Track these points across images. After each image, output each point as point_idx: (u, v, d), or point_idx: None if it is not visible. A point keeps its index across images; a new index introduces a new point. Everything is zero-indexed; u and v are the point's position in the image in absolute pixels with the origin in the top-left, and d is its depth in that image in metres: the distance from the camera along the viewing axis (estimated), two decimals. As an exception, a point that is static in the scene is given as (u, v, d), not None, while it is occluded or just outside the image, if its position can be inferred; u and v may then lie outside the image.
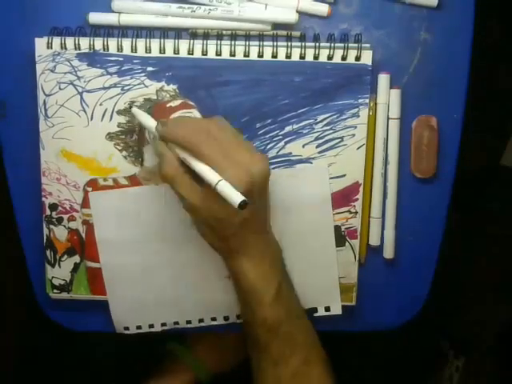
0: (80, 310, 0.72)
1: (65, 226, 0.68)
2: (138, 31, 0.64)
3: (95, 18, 0.65)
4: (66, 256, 0.68)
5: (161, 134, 0.59)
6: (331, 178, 0.66)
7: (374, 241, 0.69)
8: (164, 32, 0.64)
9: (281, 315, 0.62)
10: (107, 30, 0.64)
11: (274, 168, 0.66)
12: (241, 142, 0.59)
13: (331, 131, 0.66)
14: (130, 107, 0.65)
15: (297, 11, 0.64)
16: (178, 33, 0.64)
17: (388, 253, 0.69)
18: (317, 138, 0.66)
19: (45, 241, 0.68)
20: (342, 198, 0.67)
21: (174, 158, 0.58)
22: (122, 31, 0.64)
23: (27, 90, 0.65)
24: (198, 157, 0.56)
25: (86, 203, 0.67)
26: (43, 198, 0.67)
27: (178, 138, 0.58)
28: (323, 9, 0.64)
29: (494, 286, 1.04)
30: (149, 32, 0.64)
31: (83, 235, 0.68)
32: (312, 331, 0.67)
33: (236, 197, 0.53)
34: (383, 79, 0.65)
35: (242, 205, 0.52)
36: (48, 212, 0.67)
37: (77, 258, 0.68)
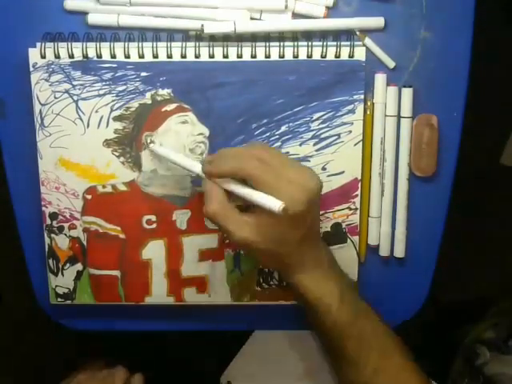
0: (81, 311, 0.72)
1: (66, 235, 0.68)
2: (130, 34, 0.64)
3: (94, 18, 0.65)
4: (68, 264, 0.68)
5: (208, 172, 0.58)
6: (330, 176, 0.66)
7: (373, 240, 0.69)
8: (156, 35, 0.64)
9: (349, 317, 0.62)
10: (99, 35, 0.64)
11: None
12: (289, 160, 0.59)
13: (328, 129, 0.66)
14: (150, 142, 0.66)
15: (293, 13, 0.65)
16: (171, 35, 0.64)
17: (385, 251, 0.69)
18: (313, 137, 0.66)
19: (47, 250, 0.68)
20: (341, 195, 0.67)
21: (221, 193, 0.58)
22: (115, 35, 0.64)
23: (24, 98, 0.66)
24: (254, 184, 0.56)
25: (86, 211, 0.67)
26: (43, 208, 0.67)
27: (229, 169, 0.57)
28: (319, 11, 0.65)
29: (494, 286, 1.04)
30: (141, 35, 0.64)
31: (84, 243, 0.68)
32: (381, 323, 0.66)
33: (275, 202, 0.52)
34: (379, 79, 0.65)
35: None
36: (48, 221, 0.67)
37: (79, 266, 0.68)
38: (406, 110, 0.66)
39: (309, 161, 0.66)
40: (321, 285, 0.61)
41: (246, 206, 0.59)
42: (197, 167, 0.60)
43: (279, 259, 0.60)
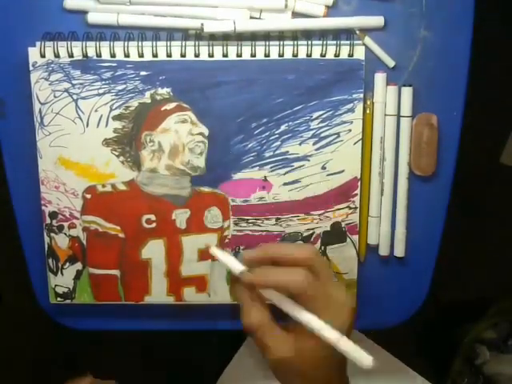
0: (81, 310, 0.72)
1: (65, 234, 0.68)
2: (130, 34, 0.64)
3: (94, 18, 0.65)
4: (68, 264, 0.68)
5: (249, 282, 0.52)
6: (329, 175, 0.66)
7: (372, 239, 0.69)
8: (156, 34, 0.64)
9: None
10: (99, 34, 0.64)
11: (272, 168, 0.66)
12: (331, 276, 0.54)
13: (327, 127, 0.66)
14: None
15: (292, 12, 0.65)
16: (171, 34, 0.64)
17: (384, 250, 0.69)
18: (313, 135, 0.66)
19: (46, 249, 0.68)
20: (341, 194, 0.67)
21: (264, 304, 0.53)
22: (115, 34, 0.64)
23: (24, 97, 0.66)
24: (299, 299, 0.51)
25: (85, 210, 0.67)
26: (43, 207, 0.67)
27: (274, 284, 0.51)
28: (319, 10, 0.65)
29: (494, 286, 1.04)
30: (141, 34, 0.64)
31: (84, 242, 0.68)
32: None
33: (364, 358, 0.48)
34: (379, 78, 0.65)
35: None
36: (48, 220, 0.67)
37: (79, 265, 0.68)
38: (406, 109, 0.66)
39: (308, 160, 0.66)
40: None
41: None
42: (236, 268, 0.54)
43: (311, 380, 0.54)
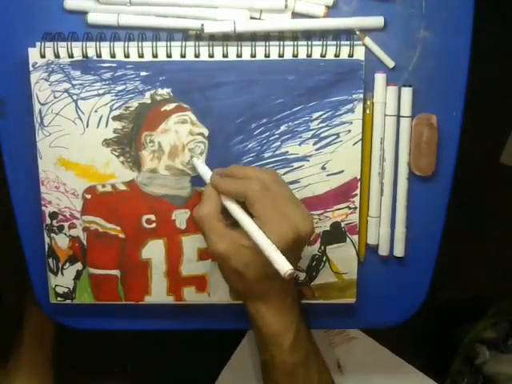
0: (81, 310, 0.72)
1: (66, 234, 0.68)
2: (130, 34, 0.64)
3: (94, 18, 0.65)
4: (68, 264, 0.68)
5: (215, 184, 0.60)
6: (329, 175, 0.67)
7: (372, 239, 0.69)
8: (156, 34, 0.64)
9: (299, 358, 0.63)
10: (99, 34, 0.64)
11: (272, 168, 0.66)
12: (291, 196, 0.60)
13: (327, 128, 0.66)
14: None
15: (292, 12, 0.65)
16: (171, 35, 0.64)
17: (384, 250, 0.69)
18: (313, 136, 0.66)
19: (46, 249, 0.68)
20: (340, 194, 0.67)
21: (217, 202, 0.59)
22: (115, 35, 0.64)
23: (24, 98, 0.66)
24: (249, 205, 0.57)
25: (85, 210, 0.67)
26: (43, 207, 0.67)
27: (233, 191, 0.59)
28: (319, 10, 0.65)
29: (494, 285, 1.04)
30: (141, 34, 0.64)
31: (84, 242, 0.68)
32: (326, 368, 0.67)
33: (285, 265, 0.54)
34: (379, 78, 0.65)
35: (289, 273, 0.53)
36: (48, 221, 0.67)
37: (79, 266, 0.68)
38: (406, 109, 0.66)
39: (308, 160, 0.66)
40: (279, 321, 0.62)
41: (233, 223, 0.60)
42: (207, 175, 0.63)
43: (246, 284, 0.60)
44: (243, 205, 0.59)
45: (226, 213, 0.60)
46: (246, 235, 0.57)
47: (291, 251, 0.56)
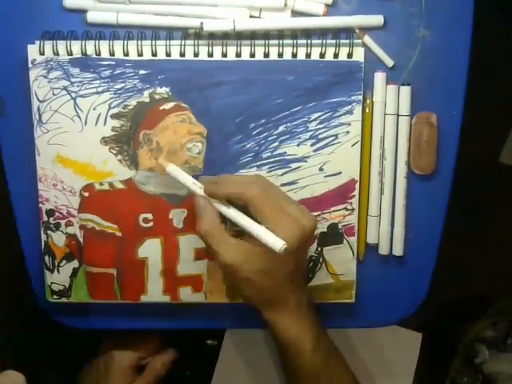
0: (77, 309, 0.72)
1: (62, 232, 0.68)
2: (129, 33, 0.64)
3: (94, 16, 0.65)
4: (64, 261, 0.68)
5: (210, 192, 0.60)
6: (327, 176, 0.66)
7: (372, 239, 0.69)
8: (155, 33, 0.64)
9: (320, 364, 0.62)
10: (98, 33, 0.64)
11: (269, 169, 0.66)
12: (287, 196, 0.60)
13: (325, 129, 0.65)
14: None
15: (292, 11, 0.65)
16: (170, 33, 0.64)
17: (384, 249, 0.69)
18: (311, 137, 0.66)
19: (43, 247, 0.68)
20: (338, 196, 0.67)
21: (214, 213, 0.59)
22: (114, 33, 0.64)
23: (24, 96, 0.65)
24: (253, 210, 0.57)
25: (82, 208, 0.67)
26: (40, 205, 0.67)
27: (232, 193, 0.58)
28: (319, 8, 0.64)
29: (494, 285, 1.03)
30: (140, 33, 0.64)
31: (81, 240, 0.68)
32: (350, 374, 0.67)
33: (276, 240, 0.54)
34: (379, 77, 0.65)
35: (284, 250, 0.53)
36: (45, 218, 0.67)
37: (75, 263, 0.68)
38: (405, 108, 0.66)
39: (306, 161, 0.66)
40: (298, 327, 0.62)
41: (238, 232, 0.60)
42: (196, 186, 0.61)
43: (261, 292, 0.60)
44: (239, 208, 0.59)
45: (229, 224, 0.60)
46: (254, 241, 0.56)
47: (302, 249, 0.57)
